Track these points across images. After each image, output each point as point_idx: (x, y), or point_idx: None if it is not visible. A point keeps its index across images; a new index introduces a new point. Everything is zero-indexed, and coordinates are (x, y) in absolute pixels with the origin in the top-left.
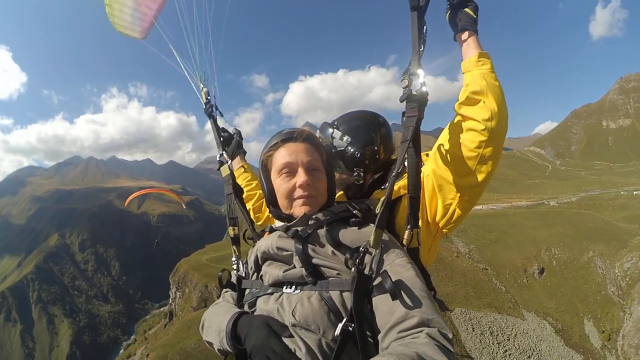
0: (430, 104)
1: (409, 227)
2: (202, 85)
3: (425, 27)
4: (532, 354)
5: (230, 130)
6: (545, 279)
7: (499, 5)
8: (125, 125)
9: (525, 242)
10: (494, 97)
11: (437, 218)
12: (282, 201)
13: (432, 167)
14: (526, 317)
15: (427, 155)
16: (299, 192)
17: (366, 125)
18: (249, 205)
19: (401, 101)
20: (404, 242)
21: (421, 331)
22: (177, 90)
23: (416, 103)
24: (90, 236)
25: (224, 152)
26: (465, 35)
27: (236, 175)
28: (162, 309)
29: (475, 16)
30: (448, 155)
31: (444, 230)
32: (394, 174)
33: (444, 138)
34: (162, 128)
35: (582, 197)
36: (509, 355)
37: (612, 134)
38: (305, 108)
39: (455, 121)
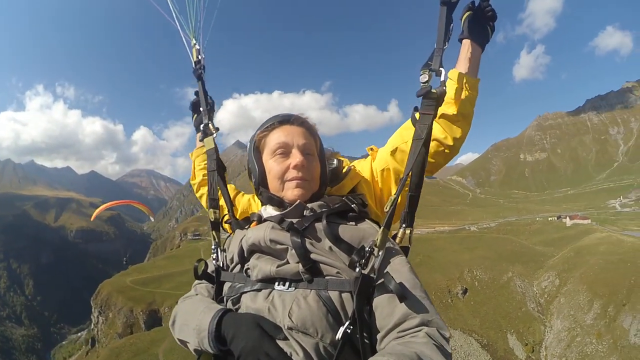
0: (360, 131)
1: (404, 225)
2: (194, 41)
3: (452, 24)
4: None
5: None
6: (468, 298)
7: (426, 47)
8: (47, 128)
9: (448, 265)
10: (468, 124)
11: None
12: (273, 183)
13: (390, 163)
14: (452, 335)
15: (372, 149)
16: (292, 174)
17: None
18: (203, 190)
19: (418, 96)
20: (397, 240)
21: (420, 330)
22: (105, 95)
23: (434, 101)
24: (3, 249)
25: (210, 122)
26: (477, 49)
27: (196, 154)
28: (80, 334)
29: (490, 37)
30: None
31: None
32: (406, 173)
33: (405, 137)
34: (87, 134)
35: (500, 222)
36: None
37: (529, 166)
38: (238, 126)
39: None
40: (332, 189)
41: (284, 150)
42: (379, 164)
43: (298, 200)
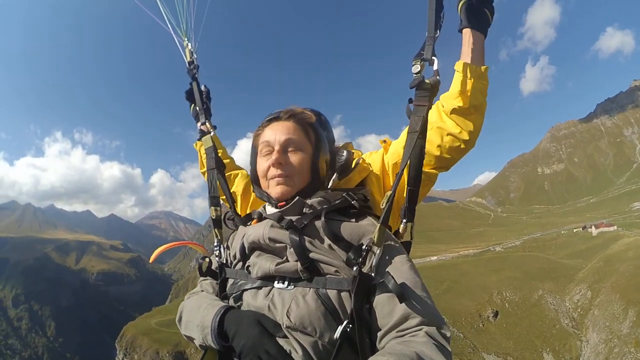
0: None
1: (404, 220)
2: (186, 41)
3: (443, 10)
4: None
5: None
6: (500, 321)
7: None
8: (66, 173)
9: (476, 289)
10: (482, 115)
11: (402, 202)
12: (262, 181)
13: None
14: (487, 359)
15: (384, 141)
16: (272, 172)
17: None
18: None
19: (411, 87)
20: (399, 235)
21: (420, 329)
22: (123, 140)
23: (427, 92)
24: (25, 291)
25: (206, 121)
26: (477, 35)
27: (200, 144)
28: None
29: (491, 21)
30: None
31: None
32: (402, 167)
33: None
34: (105, 179)
35: (525, 240)
36: None
37: (548, 178)
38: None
39: (440, 122)
40: (340, 182)
41: (269, 149)
42: (391, 158)
43: (278, 198)
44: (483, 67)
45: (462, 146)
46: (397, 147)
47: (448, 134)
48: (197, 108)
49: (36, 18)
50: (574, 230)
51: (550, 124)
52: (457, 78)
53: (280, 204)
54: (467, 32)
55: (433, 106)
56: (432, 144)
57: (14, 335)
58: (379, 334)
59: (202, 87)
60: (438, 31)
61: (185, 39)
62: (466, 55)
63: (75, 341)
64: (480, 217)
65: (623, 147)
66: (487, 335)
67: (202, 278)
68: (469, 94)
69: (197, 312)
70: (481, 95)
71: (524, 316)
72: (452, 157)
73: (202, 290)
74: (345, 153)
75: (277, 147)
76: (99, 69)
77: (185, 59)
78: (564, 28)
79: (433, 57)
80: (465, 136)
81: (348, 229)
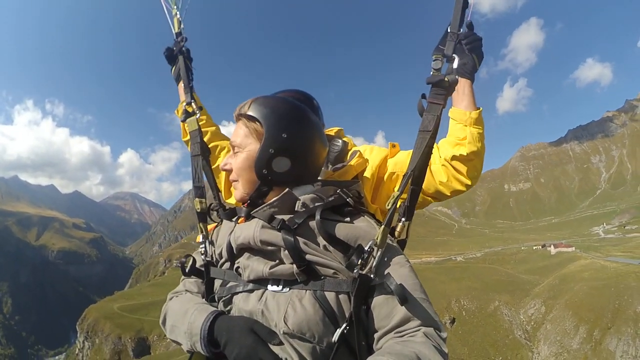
0: None
1: (402, 219)
2: (175, 10)
3: (469, 6)
4: None
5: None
6: (456, 328)
7: (411, 83)
8: (34, 144)
9: (436, 295)
10: (482, 160)
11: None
12: None
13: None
14: None
15: (393, 146)
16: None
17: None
18: None
19: (428, 83)
20: (396, 234)
21: (418, 330)
22: (95, 116)
23: (444, 90)
24: None
25: (192, 100)
26: (466, 83)
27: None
28: (57, 357)
29: (478, 67)
30: (428, 178)
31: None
32: (412, 168)
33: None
34: (73, 154)
35: (486, 252)
36: None
37: (513, 196)
38: None
39: (440, 166)
40: (334, 174)
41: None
42: (393, 166)
43: (238, 201)
44: (476, 112)
45: (462, 189)
46: (404, 157)
47: (448, 179)
48: (183, 85)
49: None
50: (534, 248)
51: (521, 143)
52: (453, 126)
53: (244, 205)
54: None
55: (434, 152)
56: (436, 178)
57: None
58: (377, 335)
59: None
60: (461, 29)
61: (174, 7)
62: (458, 102)
63: (32, 320)
64: (445, 227)
65: (589, 173)
66: None
67: (182, 277)
68: (467, 142)
69: (183, 317)
70: (479, 141)
71: (479, 325)
72: (450, 195)
73: (187, 291)
74: (340, 142)
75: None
76: (77, 39)
77: (172, 29)
78: (546, 54)
79: (454, 55)
80: (467, 181)
81: (344, 229)
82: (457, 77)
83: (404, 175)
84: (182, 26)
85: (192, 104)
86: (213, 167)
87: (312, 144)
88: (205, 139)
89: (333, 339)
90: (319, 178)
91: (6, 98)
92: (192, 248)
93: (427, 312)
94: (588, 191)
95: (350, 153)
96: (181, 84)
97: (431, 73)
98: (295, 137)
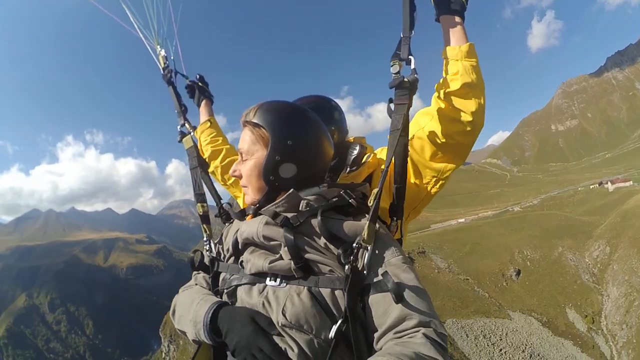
0: (386, 129)
1: (394, 218)
2: (159, 48)
3: (416, 10)
4: (525, 348)
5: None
6: (523, 279)
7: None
8: (83, 175)
9: (497, 249)
10: (481, 92)
11: (411, 201)
12: None
13: (409, 152)
14: (512, 317)
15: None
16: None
17: (321, 108)
18: (215, 163)
19: (391, 87)
20: (390, 233)
21: (418, 331)
22: (134, 136)
23: (407, 90)
24: (59, 294)
25: (185, 122)
26: (454, 19)
27: (200, 130)
28: None
29: (466, 4)
30: (429, 141)
31: (414, 213)
32: (387, 164)
33: (422, 123)
34: (122, 175)
35: (543, 198)
36: (505, 353)
37: (562, 135)
38: None
39: (438, 109)
40: (348, 176)
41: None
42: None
43: (248, 205)
44: (466, 45)
45: (468, 128)
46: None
47: (450, 119)
48: (176, 110)
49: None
50: (591, 187)
51: (561, 79)
52: (445, 65)
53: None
54: (443, 20)
55: (433, 97)
56: (437, 133)
57: (55, 339)
58: (376, 334)
59: (196, 76)
60: (412, 31)
61: (158, 47)
62: (447, 41)
63: (114, 335)
64: (497, 178)
65: (636, 100)
66: (511, 294)
67: (194, 272)
68: (459, 75)
69: (189, 307)
70: (472, 72)
71: (545, 273)
72: (461, 143)
73: (196, 284)
74: (357, 147)
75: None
76: (98, 70)
77: (159, 65)
78: None
79: (410, 57)
80: (468, 117)
81: (344, 227)
82: (416, 75)
83: (382, 172)
84: (167, 61)
85: (187, 124)
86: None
87: (317, 148)
88: (221, 156)
89: (330, 335)
90: (336, 181)
91: (46, 139)
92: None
93: (424, 309)
94: (637, 119)
95: (365, 157)
96: (202, 108)
97: (392, 78)
98: (300, 144)
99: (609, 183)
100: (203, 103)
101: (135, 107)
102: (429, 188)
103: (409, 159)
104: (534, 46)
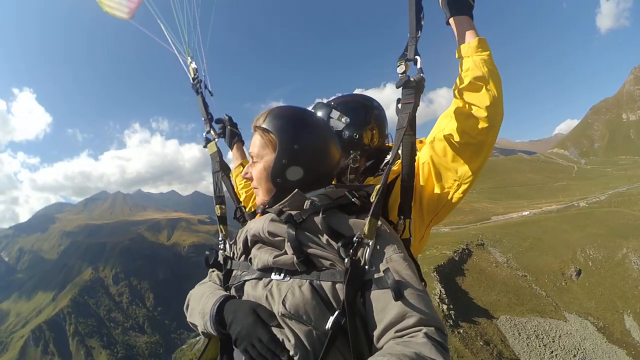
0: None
1: (401, 217)
2: (189, 60)
3: (422, 11)
4: (577, 353)
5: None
6: (583, 279)
7: (501, 11)
8: (149, 159)
9: (559, 246)
10: (495, 85)
11: (432, 206)
12: None
13: (430, 154)
14: (568, 319)
15: (420, 142)
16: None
17: (364, 108)
18: (250, 205)
19: (397, 87)
20: (398, 232)
21: (419, 330)
22: (198, 123)
23: (413, 90)
24: (124, 269)
25: (211, 129)
26: (462, 19)
27: (235, 174)
28: (198, 338)
29: (472, 4)
30: (448, 142)
31: (436, 220)
32: (389, 161)
33: (442, 124)
34: (186, 160)
35: (610, 194)
36: (556, 355)
37: (634, 126)
38: None
39: (455, 108)
40: (374, 180)
41: None
42: (422, 157)
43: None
44: (475, 40)
45: (485, 124)
46: (428, 147)
47: (465, 116)
48: (202, 118)
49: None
50: None
51: (633, 64)
52: (460, 64)
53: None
54: (453, 22)
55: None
56: (454, 132)
57: (116, 309)
58: (376, 332)
59: (225, 116)
60: (419, 32)
61: (189, 58)
62: (460, 39)
63: (172, 309)
64: (563, 170)
65: None
66: (569, 294)
67: (210, 269)
68: (470, 70)
69: (199, 300)
70: (483, 66)
71: (607, 276)
72: (481, 140)
73: (210, 281)
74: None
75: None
76: (164, 59)
77: (189, 75)
78: None
79: (416, 57)
80: (483, 112)
81: (346, 224)
82: (422, 75)
83: (380, 167)
84: (197, 73)
85: (212, 131)
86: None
87: (323, 152)
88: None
89: (327, 326)
90: (362, 184)
91: (114, 127)
92: None
93: (424, 308)
94: None
95: (399, 162)
96: (235, 151)
97: (399, 78)
98: (306, 148)
99: None
100: (235, 146)
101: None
102: (451, 193)
103: (430, 162)
104: (603, 27)
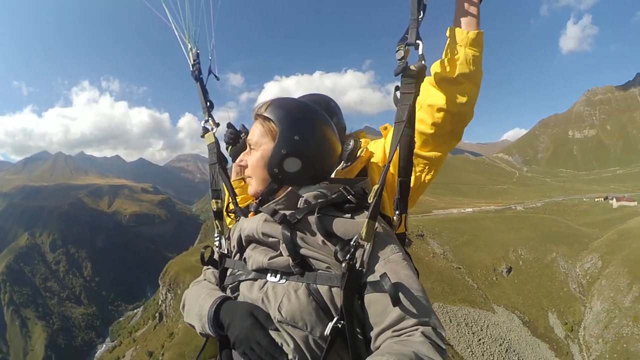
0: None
1: (397, 212)
2: (190, 46)
3: None
4: (502, 342)
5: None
6: (512, 277)
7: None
8: (95, 121)
9: (494, 244)
10: (475, 85)
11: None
12: None
13: None
14: (496, 311)
15: (385, 128)
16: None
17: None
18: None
19: (396, 75)
20: (393, 227)
21: (416, 329)
22: (150, 86)
23: (413, 78)
24: (61, 236)
25: (209, 118)
26: (471, 2)
27: (237, 185)
28: (135, 311)
29: None
30: (418, 130)
31: (411, 203)
32: (389, 159)
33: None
34: (134, 124)
35: (546, 202)
36: (483, 343)
37: (578, 143)
38: None
39: (428, 97)
40: (342, 172)
41: None
42: (389, 144)
43: (255, 197)
44: (474, 32)
45: (456, 119)
46: (379, 146)
47: (439, 109)
48: (202, 107)
49: None
50: (596, 200)
51: (587, 86)
52: (447, 46)
53: (254, 201)
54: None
55: (424, 81)
56: (426, 123)
57: (53, 278)
58: (373, 333)
59: (242, 125)
60: (422, 13)
61: (189, 43)
62: (457, 21)
63: (110, 280)
64: (506, 175)
65: None
66: (499, 289)
67: (204, 267)
68: (457, 62)
69: (196, 301)
70: (472, 63)
71: (535, 275)
72: (450, 131)
73: (205, 279)
74: (352, 142)
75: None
76: (123, 13)
77: (189, 61)
78: None
79: (418, 41)
80: (455, 108)
81: (342, 225)
82: (423, 62)
83: (384, 167)
84: (197, 58)
85: (210, 121)
86: None
87: (323, 147)
88: None
89: (326, 332)
90: (332, 176)
91: (62, 83)
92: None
93: (423, 309)
94: None
95: (360, 151)
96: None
97: (397, 64)
98: (306, 140)
99: (615, 199)
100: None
101: (155, 57)
102: (422, 176)
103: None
104: (565, 48)
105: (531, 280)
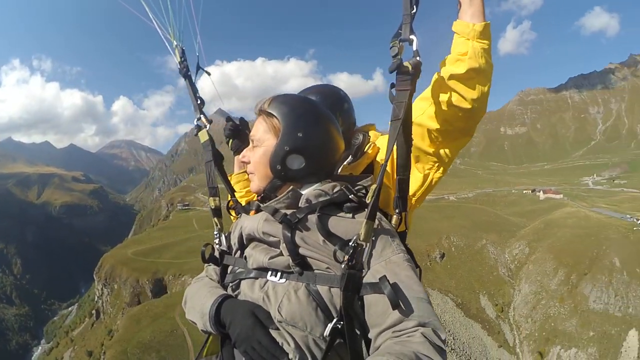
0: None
1: (397, 211)
2: (175, 43)
3: None
4: None
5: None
6: (445, 262)
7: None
8: (25, 103)
9: (428, 231)
10: (486, 79)
11: (414, 190)
12: None
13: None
14: (431, 294)
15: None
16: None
17: (334, 95)
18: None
19: (390, 72)
20: (393, 226)
21: (416, 330)
22: (84, 67)
23: (408, 75)
24: None
25: (201, 115)
26: None
27: (236, 180)
28: (70, 309)
29: None
30: (428, 128)
31: (417, 202)
32: (386, 158)
33: (422, 107)
34: (65, 107)
35: (478, 193)
36: None
37: (509, 139)
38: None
39: (437, 93)
40: (348, 167)
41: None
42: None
43: (256, 195)
44: (481, 24)
45: (467, 115)
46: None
47: (449, 105)
48: (192, 104)
49: None
50: (524, 192)
51: (521, 87)
52: (455, 40)
53: (256, 198)
54: None
55: (434, 77)
56: (436, 120)
57: None
58: (373, 333)
59: (238, 120)
60: (415, 7)
61: (174, 40)
62: (463, 14)
63: (43, 276)
64: None
65: (586, 123)
66: (433, 274)
67: (205, 264)
68: (467, 56)
69: (197, 299)
70: (482, 57)
71: (467, 260)
72: (461, 128)
73: (207, 276)
74: (360, 137)
75: (248, 146)
76: None
77: (175, 59)
78: None
79: (412, 37)
80: (468, 104)
81: (342, 224)
82: (418, 58)
83: (381, 166)
84: (184, 55)
85: (202, 118)
86: None
87: (327, 144)
88: None
89: (325, 333)
90: (338, 172)
91: None
92: (193, 190)
93: (423, 309)
94: (583, 141)
95: (367, 146)
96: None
97: (391, 61)
98: (310, 137)
99: (542, 192)
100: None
101: (89, 37)
102: (431, 174)
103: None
104: (502, 50)
105: (463, 265)
